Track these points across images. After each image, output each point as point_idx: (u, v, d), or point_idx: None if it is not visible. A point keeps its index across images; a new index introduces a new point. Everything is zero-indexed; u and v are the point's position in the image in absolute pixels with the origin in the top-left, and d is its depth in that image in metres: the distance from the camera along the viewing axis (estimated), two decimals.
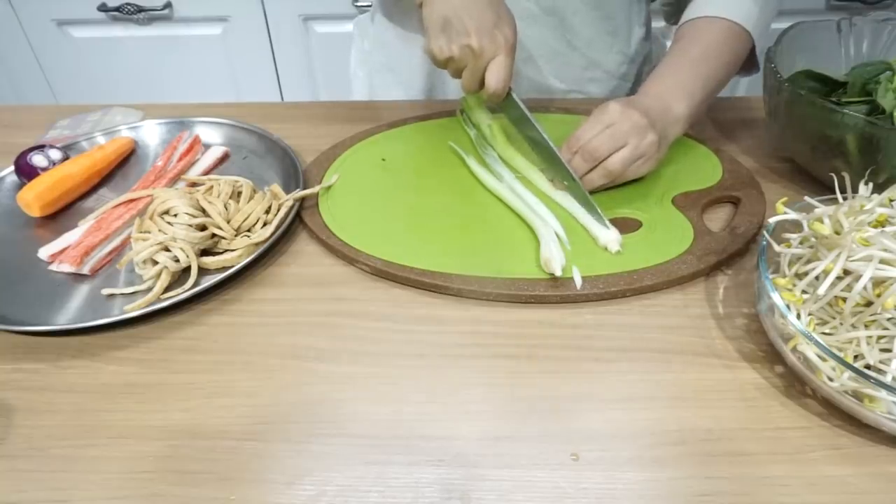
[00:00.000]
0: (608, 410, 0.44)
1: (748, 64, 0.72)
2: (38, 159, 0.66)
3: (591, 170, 0.60)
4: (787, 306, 0.43)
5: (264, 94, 1.54)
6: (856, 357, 0.42)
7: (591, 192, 0.61)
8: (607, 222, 0.58)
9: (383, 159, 0.70)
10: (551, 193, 0.63)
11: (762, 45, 0.69)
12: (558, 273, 0.52)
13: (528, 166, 0.66)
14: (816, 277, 0.43)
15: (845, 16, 0.70)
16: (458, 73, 0.62)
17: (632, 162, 0.59)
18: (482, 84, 0.61)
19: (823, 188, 0.59)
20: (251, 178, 0.63)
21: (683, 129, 0.64)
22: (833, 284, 0.42)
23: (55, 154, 0.67)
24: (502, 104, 0.64)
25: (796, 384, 0.46)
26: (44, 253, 0.58)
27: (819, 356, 0.41)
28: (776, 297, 0.43)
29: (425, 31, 0.61)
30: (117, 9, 1.40)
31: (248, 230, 0.59)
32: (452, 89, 0.84)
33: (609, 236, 0.56)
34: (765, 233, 0.48)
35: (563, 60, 0.80)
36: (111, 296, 0.54)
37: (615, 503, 0.39)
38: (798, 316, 0.44)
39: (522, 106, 0.63)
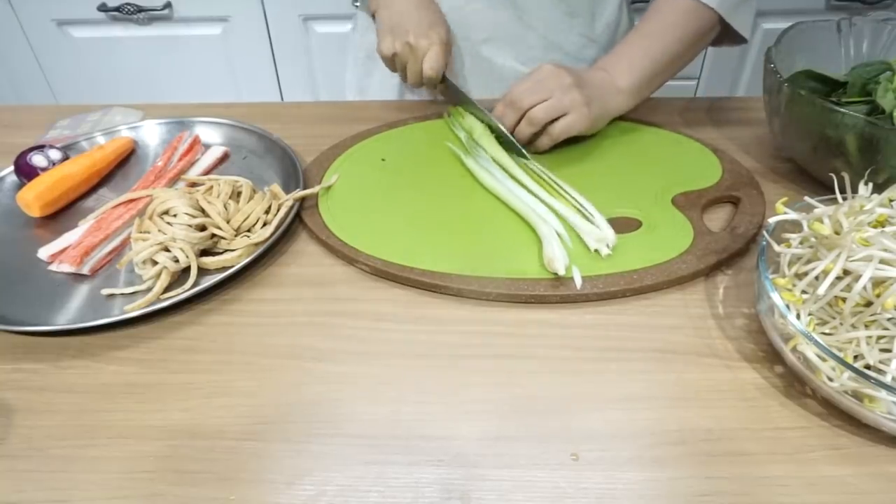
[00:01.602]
0: (608, 410, 0.44)
1: (732, 36, 0.73)
2: (38, 159, 0.66)
3: (518, 121, 0.67)
4: (787, 306, 0.43)
5: (264, 94, 1.54)
6: (856, 357, 0.42)
7: (537, 151, 0.68)
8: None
9: (383, 159, 0.70)
10: (542, 194, 0.63)
11: (743, 19, 0.71)
12: (562, 272, 0.52)
13: (516, 165, 0.66)
14: (816, 277, 0.43)
15: (845, 16, 0.70)
16: (404, 71, 0.73)
17: (554, 113, 0.65)
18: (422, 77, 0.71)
19: (823, 188, 0.59)
20: (251, 178, 0.63)
21: (628, 101, 0.70)
22: (833, 284, 0.42)
23: (55, 154, 0.67)
24: (444, 90, 0.74)
25: (796, 384, 0.46)
26: (44, 253, 0.58)
27: (819, 356, 0.41)
28: (776, 297, 0.43)
29: (377, 33, 0.73)
30: (117, 9, 1.40)
31: (248, 230, 0.59)
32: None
33: (600, 235, 0.56)
34: (765, 233, 0.48)
35: (520, 42, 0.80)
36: (111, 296, 0.54)
37: (615, 503, 0.39)
38: (798, 316, 0.44)
39: (460, 89, 0.72)
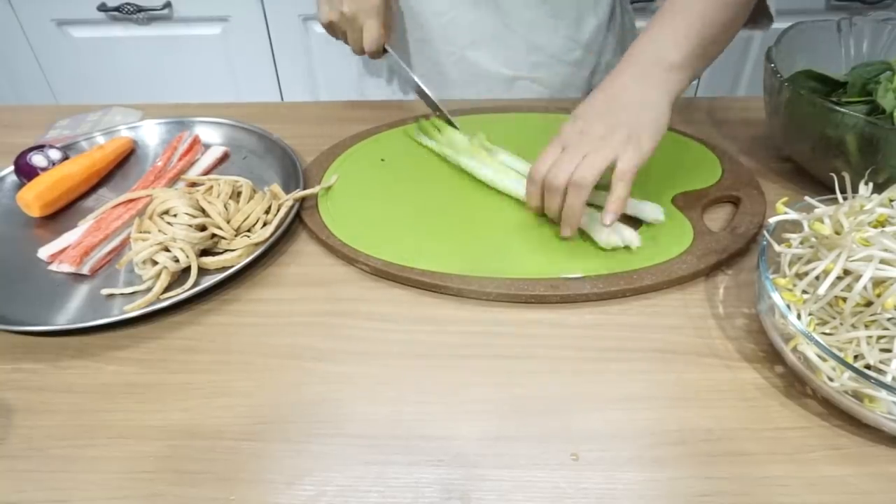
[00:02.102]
0: (608, 410, 0.44)
1: (761, 17, 0.65)
2: (37, 159, 0.66)
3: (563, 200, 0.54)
4: (788, 306, 0.43)
5: (264, 94, 1.54)
6: (856, 357, 0.42)
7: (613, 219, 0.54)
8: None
9: (383, 159, 0.70)
10: None
11: None
12: (637, 244, 0.55)
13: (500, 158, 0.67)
14: (816, 277, 0.43)
15: (845, 16, 0.70)
16: (345, 38, 0.74)
17: (602, 166, 0.52)
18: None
19: (823, 188, 0.59)
20: (251, 178, 0.63)
21: (685, 75, 0.56)
22: (833, 284, 0.42)
23: (55, 154, 0.67)
24: (385, 62, 0.77)
25: (796, 384, 0.46)
26: (43, 253, 0.58)
27: (819, 356, 0.41)
28: (776, 297, 0.43)
29: (316, 1, 0.73)
30: (117, 9, 1.40)
31: (248, 230, 0.59)
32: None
33: (625, 235, 0.56)
34: (765, 233, 0.48)
35: (503, 44, 0.80)
36: (111, 296, 0.54)
37: (615, 503, 0.39)
38: (798, 316, 0.44)
39: (401, 62, 0.74)
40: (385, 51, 0.74)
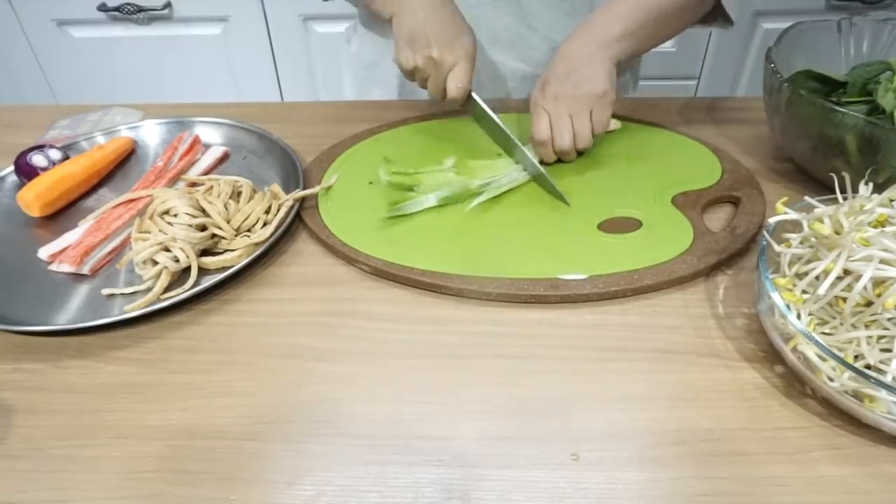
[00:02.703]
0: (608, 410, 0.44)
1: (720, 16, 0.72)
2: (38, 159, 0.66)
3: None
4: (788, 306, 0.43)
5: (264, 94, 1.54)
6: (856, 357, 0.42)
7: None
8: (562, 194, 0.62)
9: (385, 159, 0.69)
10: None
11: None
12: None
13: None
14: (816, 277, 0.43)
15: (845, 16, 0.70)
16: (424, 83, 0.68)
17: (588, 119, 0.65)
18: (446, 93, 0.67)
19: (823, 188, 0.59)
20: (251, 178, 0.63)
21: (626, 46, 0.66)
22: (833, 284, 0.42)
23: (55, 154, 0.67)
24: (467, 107, 0.70)
25: (796, 384, 0.46)
26: (44, 253, 0.58)
27: (819, 356, 0.41)
28: (776, 297, 0.43)
29: (395, 43, 0.67)
30: (117, 9, 1.40)
31: (248, 230, 0.59)
32: (424, 92, 0.85)
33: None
34: (765, 233, 0.48)
35: (524, 43, 0.80)
36: (111, 296, 0.54)
37: (615, 503, 0.39)
38: (798, 316, 0.44)
39: (485, 106, 0.68)
40: (470, 96, 0.69)
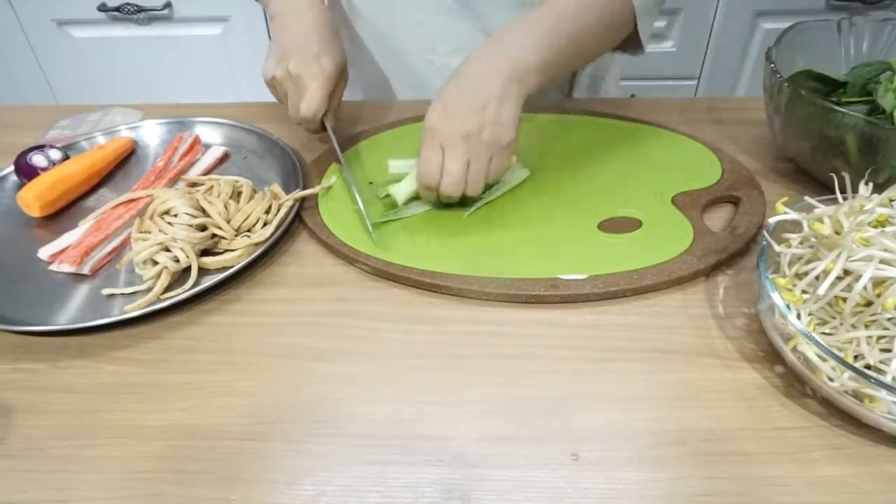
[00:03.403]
0: (608, 410, 0.44)
1: (634, 44, 0.70)
2: (38, 159, 0.66)
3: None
4: (788, 306, 0.43)
5: (264, 94, 1.53)
6: (856, 357, 0.42)
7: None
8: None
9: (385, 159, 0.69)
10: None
11: (648, 23, 0.67)
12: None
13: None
14: (816, 277, 0.43)
15: (845, 16, 0.70)
16: (284, 98, 0.66)
17: (486, 170, 0.57)
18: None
19: (823, 188, 0.59)
20: (251, 178, 0.63)
21: (538, 80, 0.58)
22: (833, 284, 0.42)
23: (55, 154, 0.67)
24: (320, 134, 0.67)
25: (796, 384, 0.46)
26: (44, 253, 0.58)
27: (819, 356, 0.41)
28: (776, 297, 0.43)
29: (268, 52, 0.66)
30: (117, 9, 1.40)
31: (249, 230, 0.59)
32: (403, 94, 0.85)
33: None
34: (765, 233, 0.48)
35: None
36: (111, 296, 0.54)
37: (615, 503, 0.39)
38: (798, 316, 0.44)
39: (334, 142, 0.65)
40: (323, 126, 0.66)
